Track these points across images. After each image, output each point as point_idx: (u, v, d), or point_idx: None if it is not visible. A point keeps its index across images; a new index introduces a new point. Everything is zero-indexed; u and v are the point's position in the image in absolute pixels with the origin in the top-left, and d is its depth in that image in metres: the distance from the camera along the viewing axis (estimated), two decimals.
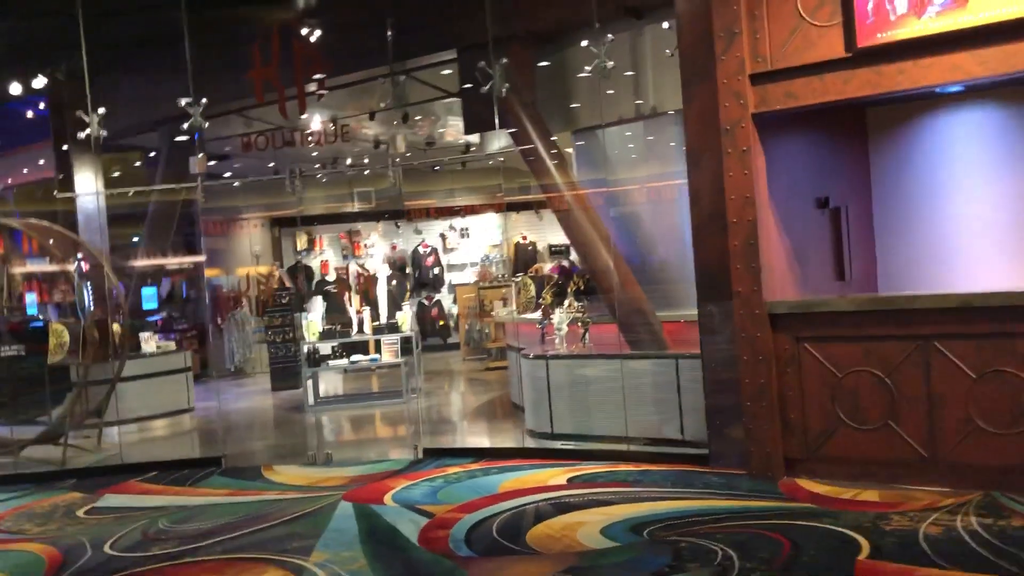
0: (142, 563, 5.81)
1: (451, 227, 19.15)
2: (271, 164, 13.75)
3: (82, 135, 8.77)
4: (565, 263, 19.13)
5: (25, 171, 13.74)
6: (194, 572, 5.57)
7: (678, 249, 8.44)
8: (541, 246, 19.19)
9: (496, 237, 19.14)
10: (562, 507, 6.29)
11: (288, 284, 15.99)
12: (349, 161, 16.23)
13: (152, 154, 15.06)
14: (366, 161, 14.78)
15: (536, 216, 19.33)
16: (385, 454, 8.99)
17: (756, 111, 6.48)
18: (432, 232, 19.19)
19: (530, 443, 8.46)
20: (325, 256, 18.94)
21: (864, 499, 5.95)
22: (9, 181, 13.77)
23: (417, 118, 12.19)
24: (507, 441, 8.84)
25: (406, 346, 12.07)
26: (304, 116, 8.73)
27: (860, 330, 6.22)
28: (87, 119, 8.74)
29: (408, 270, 18.61)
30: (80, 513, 7.39)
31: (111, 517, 7.17)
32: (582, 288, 8.30)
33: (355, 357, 12.25)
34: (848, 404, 6.28)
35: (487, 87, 7.89)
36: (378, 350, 13.28)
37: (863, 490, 6.11)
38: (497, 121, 8.32)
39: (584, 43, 8.43)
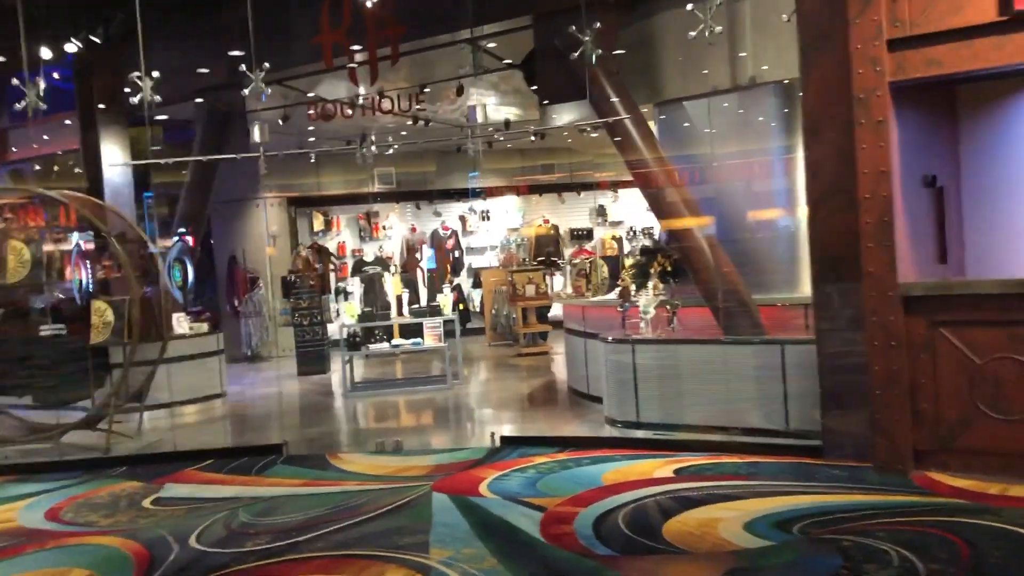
0: (241, 559, 5.33)
1: (471, 209, 18.65)
2: (311, 138, 13.19)
3: (135, 100, 8.16)
4: (588, 247, 18.82)
5: (45, 142, 13.07)
6: (307, 571, 5.10)
7: (771, 229, 8.05)
8: (563, 230, 18.78)
9: (517, 220, 18.66)
10: (685, 501, 5.87)
11: (316, 265, 15.43)
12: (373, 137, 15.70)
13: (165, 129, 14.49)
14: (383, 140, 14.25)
15: (559, 199, 18.92)
16: (455, 442, 8.55)
17: (893, 79, 6.06)
18: (452, 214, 18.69)
19: (611, 432, 8.05)
20: (342, 238, 18.38)
21: (1016, 495, 5.58)
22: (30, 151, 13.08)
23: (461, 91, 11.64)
24: (582, 429, 8.40)
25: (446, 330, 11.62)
26: (373, 86, 8.19)
27: (1005, 314, 5.84)
28: (140, 83, 8.13)
29: (428, 252, 18.10)
30: (147, 504, 6.88)
31: (183, 508, 6.67)
32: (668, 269, 7.86)
33: (396, 341, 11.76)
34: (989, 393, 5.91)
35: (577, 53, 7.41)
36: (402, 335, 12.84)
37: (1009, 485, 5.74)
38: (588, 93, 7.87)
39: (671, 9, 7.97)
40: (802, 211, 8.24)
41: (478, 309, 17.58)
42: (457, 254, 18.23)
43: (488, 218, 18.62)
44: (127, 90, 9.70)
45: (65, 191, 9.48)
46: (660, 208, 8.08)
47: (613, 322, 8.73)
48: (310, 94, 11.69)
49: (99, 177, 11.63)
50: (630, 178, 18.43)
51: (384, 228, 18.43)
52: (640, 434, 7.82)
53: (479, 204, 18.51)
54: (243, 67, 8.02)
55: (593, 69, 7.82)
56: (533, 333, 14.52)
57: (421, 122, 12.63)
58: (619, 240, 18.59)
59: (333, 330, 14.31)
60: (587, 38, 7.39)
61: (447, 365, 11.72)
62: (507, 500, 6.21)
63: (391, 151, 13.57)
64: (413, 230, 18.40)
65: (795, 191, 8.18)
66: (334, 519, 6.02)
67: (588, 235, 18.72)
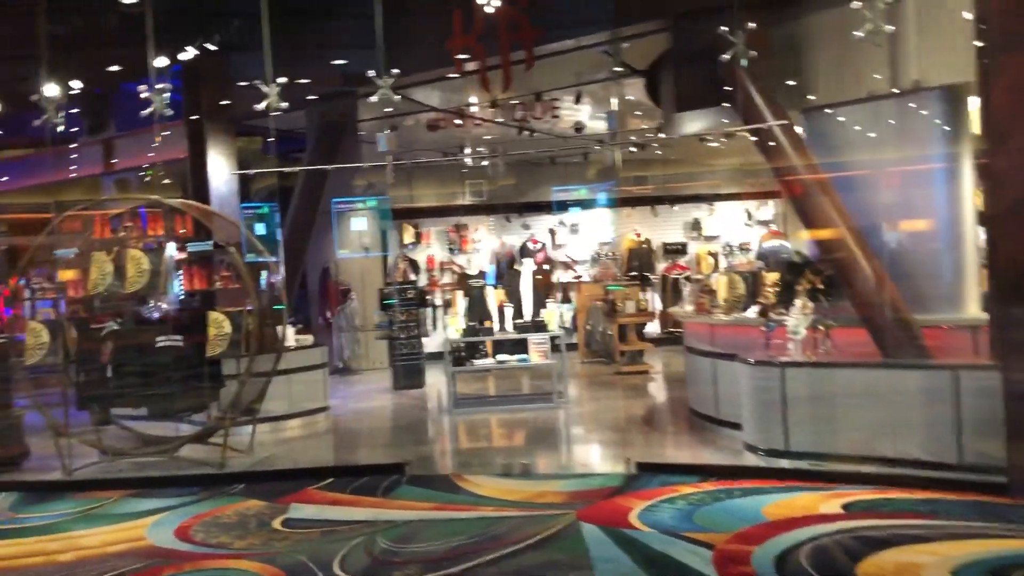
0: None
1: (560, 222, 18.25)
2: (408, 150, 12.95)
3: (260, 106, 7.96)
4: (682, 262, 18.27)
5: (148, 152, 13.06)
6: None
7: (930, 242, 7.50)
8: (655, 244, 18.25)
9: (608, 234, 18.19)
10: (869, 542, 5.36)
11: (412, 276, 15.19)
12: (468, 149, 15.48)
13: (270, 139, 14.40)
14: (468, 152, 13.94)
15: (651, 212, 18.42)
16: (581, 466, 8.15)
17: None
18: (541, 227, 18.31)
19: (753, 460, 7.54)
20: (431, 250, 18.14)
21: None
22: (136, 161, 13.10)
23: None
24: (719, 456, 7.91)
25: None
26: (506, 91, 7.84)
27: None
28: (265, 89, 7.93)
29: (516, 267, 17.74)
30: (276, 524, 6.60)
31: (315, 531, 6.38)
32: (818, 287, 7.35)
33: (501, 356, 11.40)
34: None
35: (728, 56, 6.97)
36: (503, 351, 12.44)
37: None
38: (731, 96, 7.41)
39: (823, 10, 7.48)
40: (967, 224, 7.68)
41: (568, 325, 17.14)
42: (547, 268, 17.83)
43: (578, 231, 18.20)
44: (248, 97, 9.57)
45: (186, 200, 9.37)
46: (811, 219, 7.57)
47: (749, 342, 8.23)
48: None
49: (205, 187, 11.54)
50: (728, 191, 18.21)
51: (473, 241, 18.14)
52: (786, 463, 7.31)
53: (568, 217, 18.09)
54: (371, 73, 7.75)
55: (738, 73, 7.37)
56: (633, 351, 14.03)
57: (526, 132, 12.29)
58: (715, 255, 18.00)
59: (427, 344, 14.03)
60: (737, 40, 6.95)
61: (554, 383, 11.32)
62: (666, 534, 5.77)
63: (489, 163, 13.28)
64: (502, 244, 18.08)
65: (958, 202, 7.62)
66: (481, 549, 5.66)
67: (682, 250, 18.17)
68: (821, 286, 7.32)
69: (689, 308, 10.13)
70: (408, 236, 17.95)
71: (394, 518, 6.59)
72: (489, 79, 7.62)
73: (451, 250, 18.22)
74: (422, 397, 12.98)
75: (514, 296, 12.50)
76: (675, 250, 18.22)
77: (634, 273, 17.42)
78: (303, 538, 6.22)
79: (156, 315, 8.95)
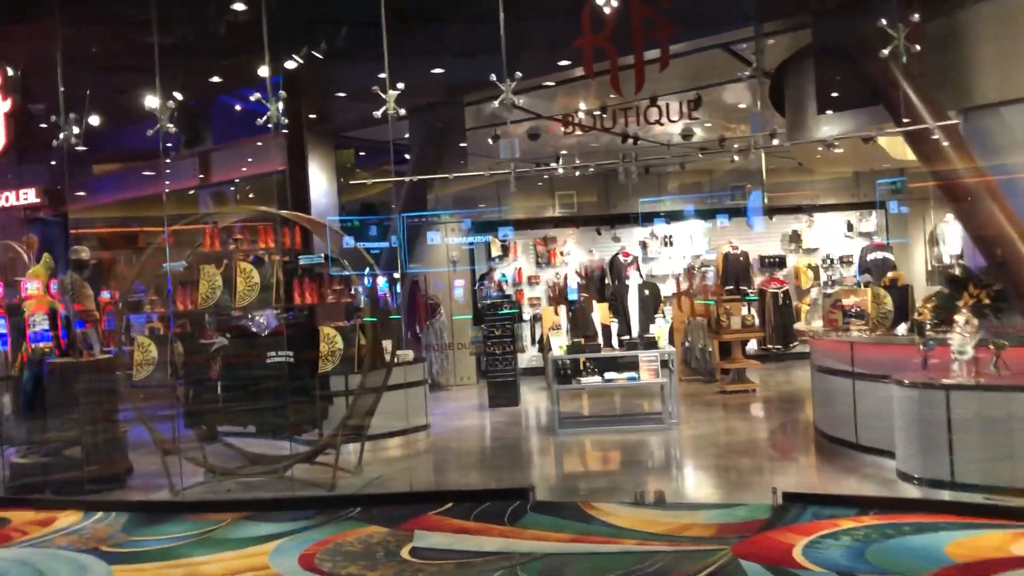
0: None
1: (652, 234, 17.69)
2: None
3: (377, 113, 7.64)
4: (780, 275, 17.54)
5: (246, 164, 12.94)
6: None
7: None
8: (752, 257, 17.55)
9: (702, 246, 17.57)
10: None
11: (507, 291, 14.80)
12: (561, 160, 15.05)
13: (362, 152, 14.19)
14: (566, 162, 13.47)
15: (746, 224, 17.72)
16: (717, 494, 7.60)
17: None
18: (632, 239, 17.76)
19: (911, 491, 6.92)
20: (518, 263, 17.73)
21: None
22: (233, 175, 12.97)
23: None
24: (869, 486, 7.29)
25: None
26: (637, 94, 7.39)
27: None
28: (383, 96, 7.60)
29: (608, 280, 17.23)
30: (405, 554, 6.21)
31: (450, 563, 5.96)
32: (985, 301, 6.70)
33: (609, 374, 10.89)
34: None
35: (888, 51, 6.40)
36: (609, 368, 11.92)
37: None
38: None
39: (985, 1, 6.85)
40: None
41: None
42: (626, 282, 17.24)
43: (671, 243, 17.61)
44: (346, 108, 9.26)
45: (296, 213, 9.10)
46: (977, 227, 6.94)
47: (899, 362, 7.59)
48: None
49: (306, 199, 11.31)
50: (826, 201, 17.45)
51: (562, 254, 17.68)
52: (948, 495, 6.67)
53: (662, 229, 17.53)
54: (493, 77, 7.37)
55: (892, 70, 6.79)
56: (737, 369, 13.40)
57: (630, 140, 11.82)
58: (815, 269, 17.24)
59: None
60: (897, 34, 6.39)
61: (664, 403, 10.79)
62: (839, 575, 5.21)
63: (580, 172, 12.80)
64: (591, 256, 17.58)
65: None
66: None
67: (780, 263, 17.44)
68: (988, 300, 6.68)
69: (817, 324, 9.50)
70: (495, 249, 17.58)
71: (530, 550, 6.14)
72: (620, 80, 7.19)
73: (539, 263, 17.80)
74: (519, 415, 12.56)
75: (620, 311, 11.97)
76: (773, 263, 17.51)
77: (731, 287, 16.76)
78: (438, 570, 5.81)
79: (266, 330, 8.66)
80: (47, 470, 9.00)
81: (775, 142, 10.99)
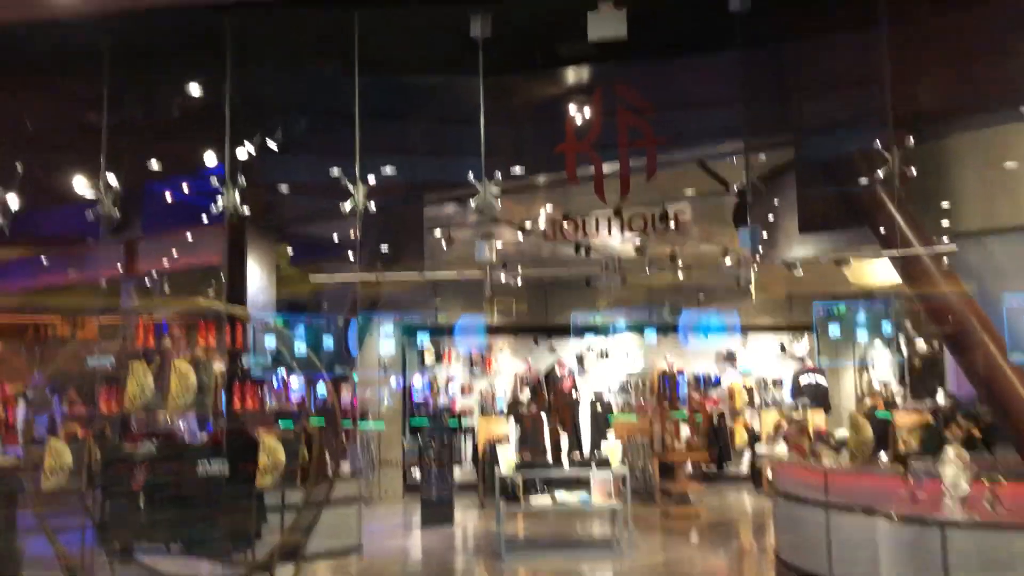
0: None
1: (588, 348, 17.39)
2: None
3: (346, 207, 7.15)
4: (714, 395, 17.39)
5: (174, 257, 12.16)
6: None
7: None
8: (687, 375, 17.39)
9: (638, 362, 17.34)
10: None
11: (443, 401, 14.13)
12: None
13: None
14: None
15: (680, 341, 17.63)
16: None
17: None
18: (568, 351, 17.41)
19: None
20: (452, 371, 17.12)
21: None
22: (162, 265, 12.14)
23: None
24: None
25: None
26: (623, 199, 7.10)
27: None
28: (352, 189, 7.14)
29: (543, 392, 16.74)
30: None
31: None
32: (975, 435, 6.48)
33: (560, 494, 10.29)
34: None
35: (881, 173, 6.31)
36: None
37: None
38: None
39: (972, 131, 6.91)
40: None
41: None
42: (575, 395, 16.84)
43: (607, 356, 17.32)
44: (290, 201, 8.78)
45: (241, 307, 8.42)
46: (965, 356, 6.78)
47: (877, 493, 7.28)
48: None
49: (243, 295, 10.60)
50: (762, 322, 17.55)
51: (496, 363, 17.18)
52: None
53: (598, 342, 17.27)
54: (471, 175, 7.01)
55: (879, 194, 6.71)
56: (682, 493, 12.96)
57: (583, 251, 11.57)
58: (750, 390, 17.17)
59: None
60: (891, 157, 6.31)
61: (617, 529, 10.22)
62: None
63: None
64: (528, 367, 17.12)
65: None
66: None
67: (715, 382, 17.32)
68: (979, 434, 6.45)
69: (781, 449, 9.19)
70: (429, 356, 16.97)
71: None
72: (604, 188, 6.94)
73: (472, 372, 17.23)
74: (455, 536, 11.75)
75: (570, 426, 11.48)
76: (708, 382, 17.38)
77: (664, 405, 16.50)
78: None
79: (196, 436, 7.84)
80: None
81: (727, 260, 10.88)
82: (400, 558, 10.31)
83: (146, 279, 12.44)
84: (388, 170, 8.75)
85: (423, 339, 16.83)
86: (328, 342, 12.01)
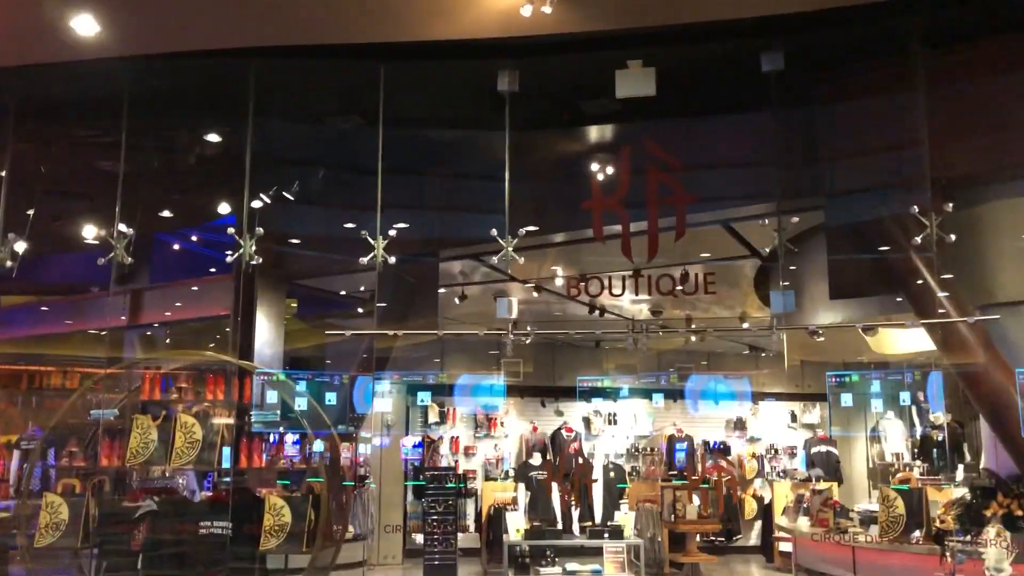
0: None
1: (596, 411, 17.06)
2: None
3: (364, 260, 6.97)
4: (723, 463, 16.99)
5: (180, 307, 11.96)
6: None
7: None
8: (696, 442, 17.03)
9: (646, 427, 16.98)
10: None
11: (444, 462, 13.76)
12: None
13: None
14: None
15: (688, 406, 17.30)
16: None
17: None
18: (574, 414, 17.07)
19: None
20: (456, 431, 16.75)
21: None
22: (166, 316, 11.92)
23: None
24: None
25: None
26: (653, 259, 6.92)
27: None
28: (372, 242, 6.96)
29: (548, 456, 16.34)
30: None
31: None
32: (1017, 512, 6.20)
33: (571, 566, 9.91)
34: None
35: (919, 239, 6.14)
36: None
37: None
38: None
39: (1005, 199, 6.76)
40: None
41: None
42: (581, 460, 16.43)
43: (615, 422, 16.98)
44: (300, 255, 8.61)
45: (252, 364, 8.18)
46: (1008, 430, 6.53)
47: (909, 572, 6.95)
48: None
49: (250, 348, 10.36)
50: (772, 389, 17.25)
51: (502, 425, 16.83)
52: None
53: (606, 406, 16.95)
54: (494, 232, 6.83)
55: (913, 260, 6.53)
56: (693, 564, 12.53)
57: (597, 312, 11.39)
58: (759, 458, 16.80)
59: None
60: (929, 223, 6.15)
61: None
62: None
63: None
64: (534, 429, 16.76)
65: None
66: None
67: (725, 450, 16.94)
68: (1021, 512, 6.17)
69: (803, 521, 8.87)
70: (433, 415, 16.62)
71: None
72: (631, 247, 6.77)
73: (476, 434, 16.86)
74: None
75: (582, 493, 11.13)
76: (717, 449, 17.01)
77: (674, 472, 16.11)
78: None
79: (196, 494, 7.54)
80: None
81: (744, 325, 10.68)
82: None
83: (148, 330, 12.23)
84: (404, 225, 8.58)
85: (425, 398, 16.53)
86: (332, 399, 11.70)
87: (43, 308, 13.81)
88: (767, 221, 7.73)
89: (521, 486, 11.16)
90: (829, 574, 7.86)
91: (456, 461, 16.39)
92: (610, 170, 7.13)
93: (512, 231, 6.87)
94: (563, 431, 16.72)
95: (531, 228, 6.81)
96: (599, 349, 16.89)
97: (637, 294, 8.44)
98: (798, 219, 7.66)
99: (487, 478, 15.77)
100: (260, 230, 7.11)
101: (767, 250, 8.84)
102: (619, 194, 6.70)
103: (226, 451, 7.37)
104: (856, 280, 7.05)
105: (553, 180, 7.98)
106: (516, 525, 9.99)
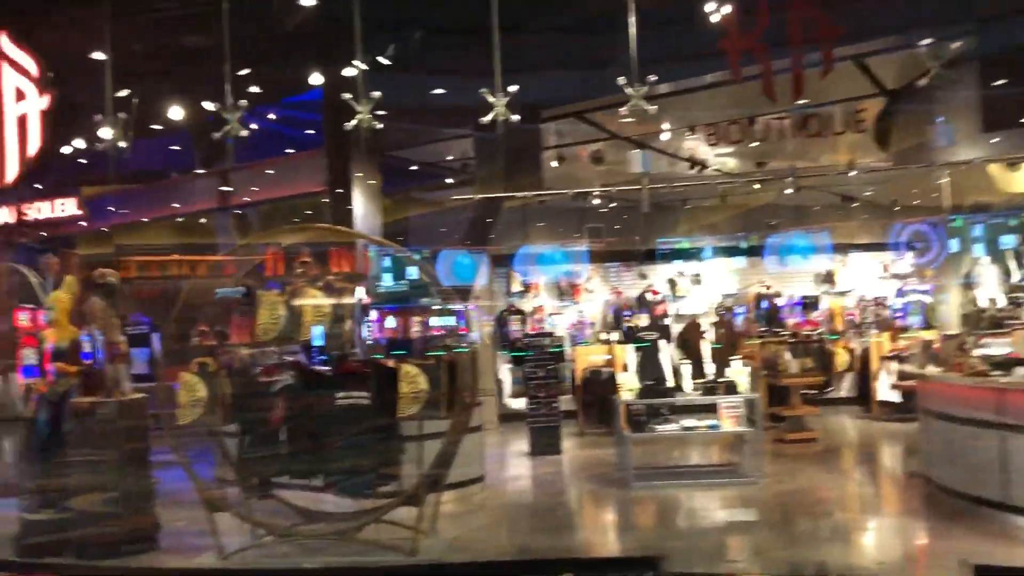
0: None
1: (680, 273, 16.82)
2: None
3: (485, 120, 6.65)
4: (813, 317, 16.76)
5: (274, 187, 11.80)
6: None
7: None
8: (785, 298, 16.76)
9: (732, 285, 16.73)
10: None
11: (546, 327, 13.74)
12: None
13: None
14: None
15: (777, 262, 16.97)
16: (891, 567, 6.61)
17: None
18: (659, 277, 16.86)
19: None
20: (539, 300, 16.71)
21: None
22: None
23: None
24: None
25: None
26: (802, 101, 6.49)
27: None
28: (492, 100, 6.62)
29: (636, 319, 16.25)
30: None
31: None
32: None
33: (687, 422, 9.90)
34: None
35: None
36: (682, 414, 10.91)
37: None
38: None
39: None
40: None
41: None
42: (667, 321, 16.35)
43: (700, 282, 16.75)
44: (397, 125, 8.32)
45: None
46: None
47: None
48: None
49: (348, 224, 10.22)
50: (862, 240, 16.82)
51: (586, 291, 16.72)
52: None
53: (690, 267, 16.69)
54: (623, 80, 6.43)
55: None
56: (797, 417, 12.48)
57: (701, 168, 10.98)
58: (853, 310, 16.51)
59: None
60: None
61: (744, 455, 9.82)
62: None
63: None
64: (619, 293, 16.65)
65: None
66: None
67: (813, 304, 16.67)
68: None
69: (932, 367, 8.66)
70: (516, 284, 16.55)
71: None
72: (775, 87, 6.32)
73: (561, 300, 16.81)
74: (567, 464, 11.47)
75: (692, 352, 11.04)
76: (806, 304, 16.75)
77: (763, 330, 15.95)
78: None
79: (334, 368, 7.55)
80: (63, 527, 7.70)
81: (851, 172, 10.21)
82: (521, 488, 10.07)
83: (239, 211, 12.16)
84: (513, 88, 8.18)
85: (509, 268, 16.41)
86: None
87: (135, 195, 13.75)
88: (924, 45, 7.10)
89: (629, 347, 11.06)
90: (971, 417, 7.68)
91: (545, 328, 16.42)
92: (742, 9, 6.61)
93: (640, 79, 6.46)
94: (648, 293, 16.58)
95: (652, 78, 6.35)
96: (683, 210, 16.52)
97: (753, 141, 8.06)
98: (960, 43, 7.05)
99: (574, 343, 15.81)
100: (377, 93, 6.80)
101: (904, 84, 8.27)
102: (757, 32, 6.22)
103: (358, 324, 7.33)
104: (1012, 110, 6.55)
105: (673, 25, 7.48)
106: (629, 385, 9.94)
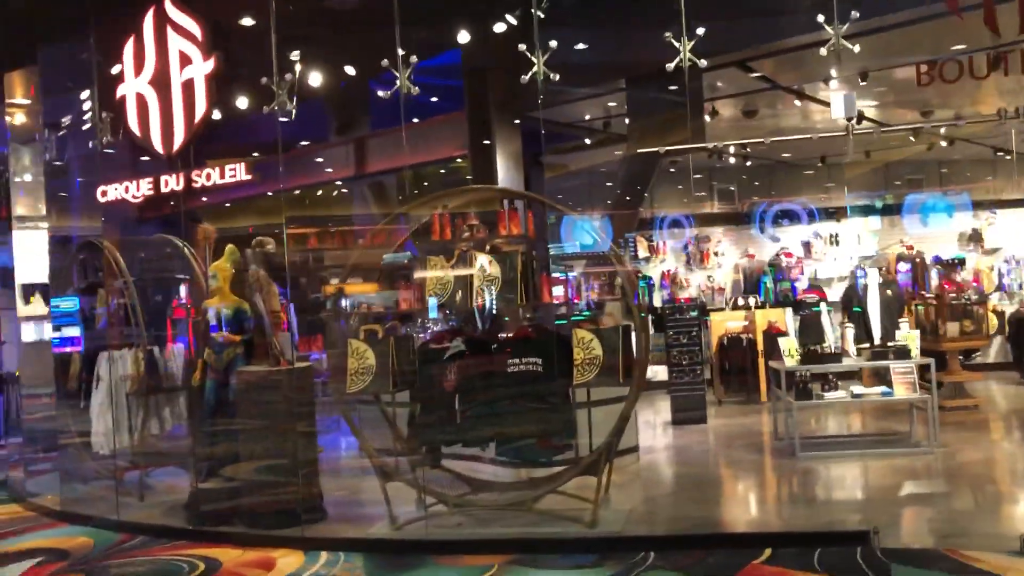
0: None
1: (816, 234, 16.11)
2: None
3: (670, 66, 6.24)
4: (958, 278, 15.83)
5: (410, 152, 11.59)
6: None
7: None
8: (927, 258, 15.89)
9: (871, 247, 15.93)
10: None
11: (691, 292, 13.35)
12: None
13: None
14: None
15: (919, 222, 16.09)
16: None
17: None
18: (792, 239, 16.20)
19: None
20: (667, 265, 16.28)
21: None
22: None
23: None
24: None
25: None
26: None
27: None
28: (677, 44, 6.19)
29: (768, 283, 15.66)
30: None
31: None
32: None
33: (857, 388, 9.37)
34: None
35: None
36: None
37: None
38: None
39: None
40: None
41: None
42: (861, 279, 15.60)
43: (837, 243, 16.02)
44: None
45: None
46: None
47: None
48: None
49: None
50: (1013, 196, 15.77)
51: (716, 255, 16.20)
52: None
53: (826, 227, 15.97)
54: (821, 18, 5.92)
55: None
56: (955, 383, 11.75)
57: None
58: (1000, 270, 15.57)
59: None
60: None
61: (915, 424, 9.25)
62: None
63: None
64: (751, 256, 16.06)
65: None
66: None
67: (959, 264, 15.75)
68: None
69: None
70: (642, 249, 16.14)
71: None
72: (996, 17, 5.72)
73: (689, 265, 16.33)
74: (717, 434, 11.07)
75: (856, 315, 10.47)
76: (951, 264, 15.84)
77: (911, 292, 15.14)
78: None
79: (505, 333, 7.32)
80: (232, 496, 7.73)
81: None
82: (679, 458, 9.74)
83: (378, 179, 12.03)
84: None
85: (636, 232, 15.99)
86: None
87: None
88: None
89: (788, 311, 10.56)
90: None
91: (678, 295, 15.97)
92: None
93: (840, 17, 5.94)
94: (782, 256, 15.96)
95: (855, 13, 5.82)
96: (821, 168, 15.75)
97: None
98: None
99: (705, 310, 15.33)
100: (554, 43, 6.45)
101: None
102: None
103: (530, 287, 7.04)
104: None
105: None
106: (791, 350, 9.44)
